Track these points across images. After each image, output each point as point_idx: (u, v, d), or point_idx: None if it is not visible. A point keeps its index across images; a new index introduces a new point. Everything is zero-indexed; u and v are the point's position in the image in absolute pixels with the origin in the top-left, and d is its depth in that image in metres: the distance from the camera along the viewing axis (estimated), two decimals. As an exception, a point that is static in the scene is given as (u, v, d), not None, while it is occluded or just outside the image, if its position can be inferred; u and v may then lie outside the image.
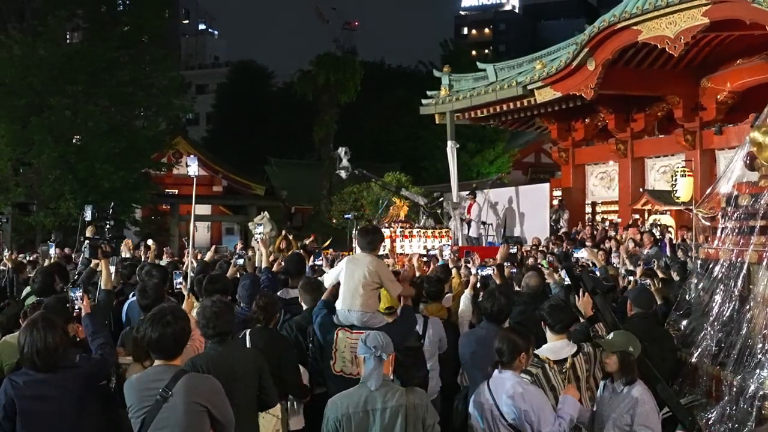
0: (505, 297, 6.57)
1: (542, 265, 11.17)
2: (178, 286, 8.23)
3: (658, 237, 18.04)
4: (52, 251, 15.09)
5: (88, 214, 8.73)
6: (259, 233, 13.81)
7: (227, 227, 46.17)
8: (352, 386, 5.13)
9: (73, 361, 4.98)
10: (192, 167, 10.07)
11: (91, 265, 7.62)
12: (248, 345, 6.24)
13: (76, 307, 5.88)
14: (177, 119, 38.04)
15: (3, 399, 4.69)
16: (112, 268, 8.07)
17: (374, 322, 6.40)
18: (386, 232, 20.35)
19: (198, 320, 5.58)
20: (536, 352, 5.74)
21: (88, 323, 5.70)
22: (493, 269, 9.29)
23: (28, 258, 16.58)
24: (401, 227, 20.52)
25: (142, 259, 12.51)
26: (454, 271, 9.72)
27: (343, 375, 6.27)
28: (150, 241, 14.83)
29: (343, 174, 23.58)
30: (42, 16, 30.43)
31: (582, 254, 13.86)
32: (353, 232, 24.48)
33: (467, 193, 25.24)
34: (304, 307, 7.28)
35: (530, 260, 15.17)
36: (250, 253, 17.42)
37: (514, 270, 10.43)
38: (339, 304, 6.52)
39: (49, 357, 4.73)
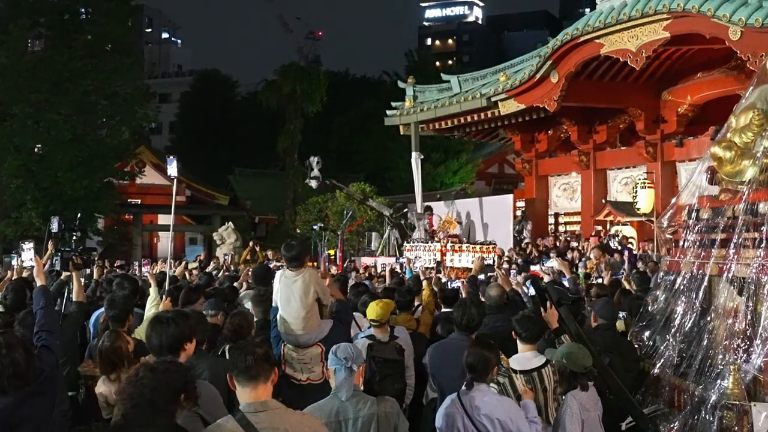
0: (475, 308, 6.64)
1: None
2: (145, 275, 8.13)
3: (617, 248, 18.31)
4: (15, 262, 14.92)
5: (54, 226, 8.63)
6: None
7: (191, 237, 45.82)
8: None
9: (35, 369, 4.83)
10: (171, 168, 9.94)
11: (62, 277, 7.55)
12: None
13: (27, 266, 5.63)
14: (140, 128, 37.74)
15: None
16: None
17: (320, 335, 6.51)
18: (436, 246, 20.44)
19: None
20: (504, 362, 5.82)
21: (40, 298, 5.47)
22: (462, 281, 9.32)
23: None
24: (451, 242, 20.63)
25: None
26: (424, 283, 9.71)
27: (293, 380, 6.41)
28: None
29: (313, 184, 23.46)
30: (3, 24, 30.09)
31: (551, 264, 14.03)
32: (320, 242, 24.49)
33: (425, 208, 25.16)
34: (255, 320, 7.19)
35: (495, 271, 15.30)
36: (211, 266, 17.61)
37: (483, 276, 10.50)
38: (281, 327, 6.54)
39: (19, 380, 4.63)
